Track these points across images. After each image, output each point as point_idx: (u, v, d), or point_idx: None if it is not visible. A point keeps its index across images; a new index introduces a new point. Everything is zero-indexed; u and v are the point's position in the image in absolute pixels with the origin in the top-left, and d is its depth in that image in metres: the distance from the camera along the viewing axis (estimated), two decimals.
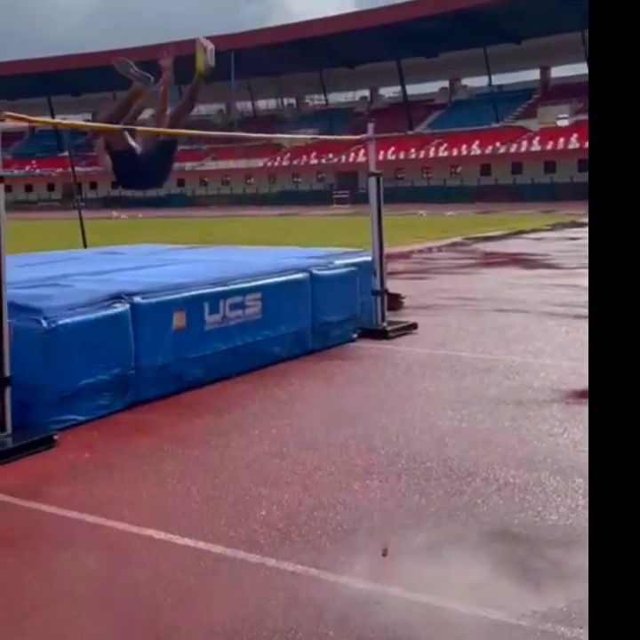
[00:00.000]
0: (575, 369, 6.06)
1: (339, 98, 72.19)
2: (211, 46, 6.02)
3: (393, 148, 58.24)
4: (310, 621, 2.70)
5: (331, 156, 61.67)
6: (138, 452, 4.52)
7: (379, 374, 6.29)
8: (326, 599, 2.86)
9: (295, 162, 64.51)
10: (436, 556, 3.24)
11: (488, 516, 3.53)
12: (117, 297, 5.47)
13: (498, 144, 56.42)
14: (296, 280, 6.95)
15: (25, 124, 5.71)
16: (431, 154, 59.53)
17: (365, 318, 7.81)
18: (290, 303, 6.82)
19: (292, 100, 74.55)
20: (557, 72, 62.23)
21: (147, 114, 7.00)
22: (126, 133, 5.93)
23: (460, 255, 16.99)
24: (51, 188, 70.20)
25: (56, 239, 17.07)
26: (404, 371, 6.36)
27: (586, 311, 7.05)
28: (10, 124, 4.80)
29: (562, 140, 53.72)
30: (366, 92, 71.29)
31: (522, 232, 23.77)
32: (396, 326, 7.89)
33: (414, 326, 8.02)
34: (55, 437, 4.64)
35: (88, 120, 55.09)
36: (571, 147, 52.13)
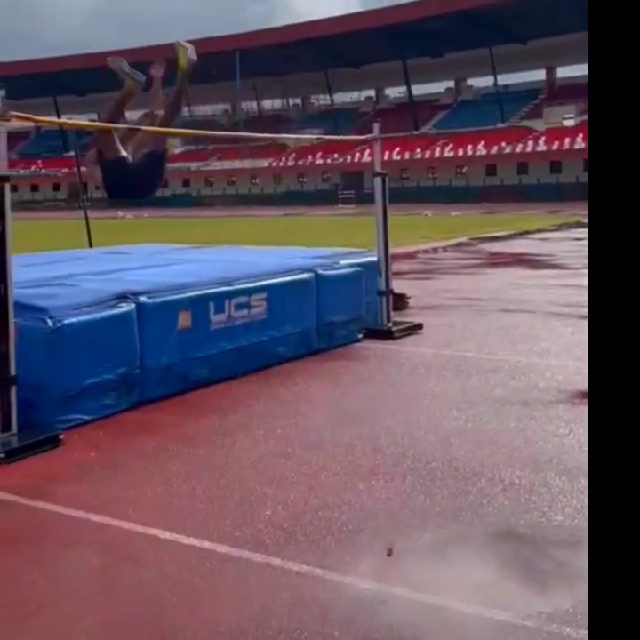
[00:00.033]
0: (581, 369, 6.04)
1: (344, 98, 72.28)
2: (191, 46, 6.15)
3: (398, 148, 58.24)
4: (315, 621, 2.70)
5: (336, 156, 61.67)
6: (143, 452, 4.52)
7: (384, 374, 6.28)
8: (331, 599, 2.86)
9: (300, 162, 64.54)
10: (441, 556, 3.23)
11: (493, 517, 3.53)
12: (123, 296, 5.48)
13: (503, 144, 56.40)
14: (301, 280, 6.95)
15: (31, 124, 5.71)
16: (437, 154, 59.53)
17: (371, 318, 7.80)
18: (295, 303, 6.82)
19: (298, 100, 74.60)
20: (563, 72, 62.24)
21: (135, 116, 7.02)
22: (117, 142, 5.94)
23: (466, 255, 16.97)
24: (56, 187, 70.33)
25: (62, 239, 17.12)
26: (410, 371, 6.36)
27: None
28: (16, 124, 4.80)
29: (567, 140, 53.67)
30: (372, 92, 71.30)
31: (527, 232, 23.75)
32: (401, 326, 7.89)
33: (420, 326, 8.02)
34: (61, 437, 4.65)
35: (93, 120, 55.14)
36: (576, 147, 52.04)
